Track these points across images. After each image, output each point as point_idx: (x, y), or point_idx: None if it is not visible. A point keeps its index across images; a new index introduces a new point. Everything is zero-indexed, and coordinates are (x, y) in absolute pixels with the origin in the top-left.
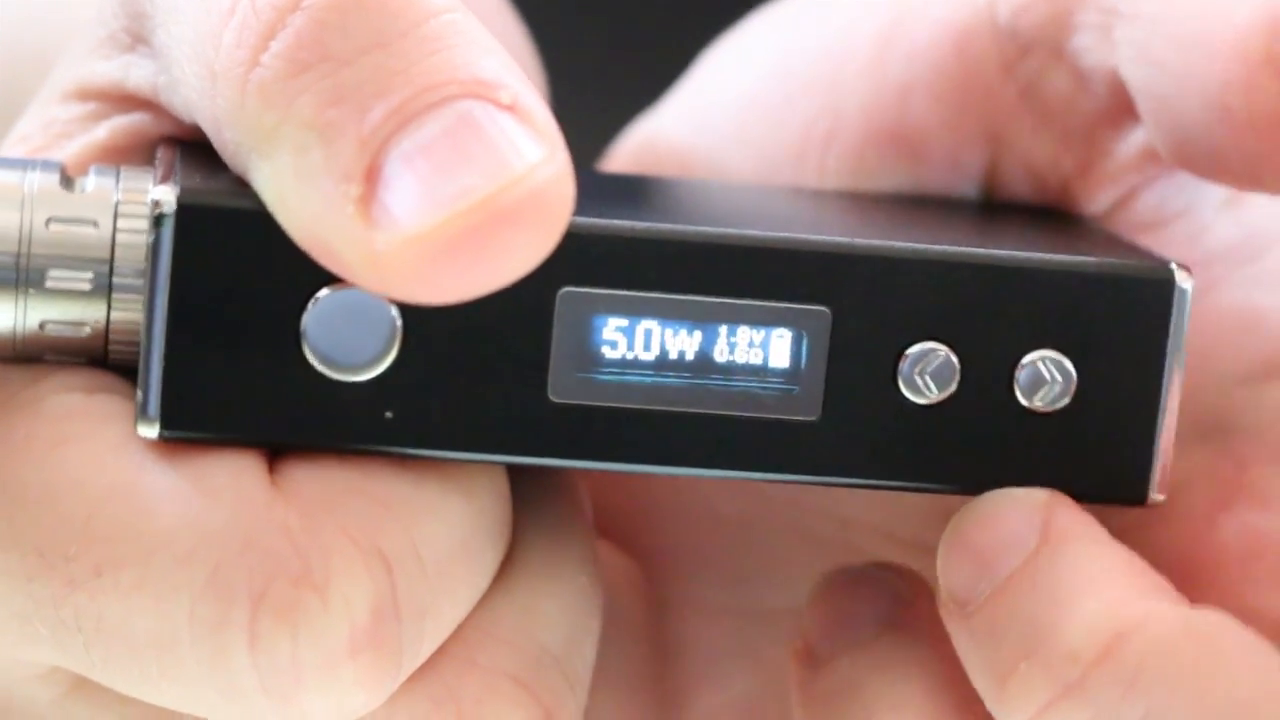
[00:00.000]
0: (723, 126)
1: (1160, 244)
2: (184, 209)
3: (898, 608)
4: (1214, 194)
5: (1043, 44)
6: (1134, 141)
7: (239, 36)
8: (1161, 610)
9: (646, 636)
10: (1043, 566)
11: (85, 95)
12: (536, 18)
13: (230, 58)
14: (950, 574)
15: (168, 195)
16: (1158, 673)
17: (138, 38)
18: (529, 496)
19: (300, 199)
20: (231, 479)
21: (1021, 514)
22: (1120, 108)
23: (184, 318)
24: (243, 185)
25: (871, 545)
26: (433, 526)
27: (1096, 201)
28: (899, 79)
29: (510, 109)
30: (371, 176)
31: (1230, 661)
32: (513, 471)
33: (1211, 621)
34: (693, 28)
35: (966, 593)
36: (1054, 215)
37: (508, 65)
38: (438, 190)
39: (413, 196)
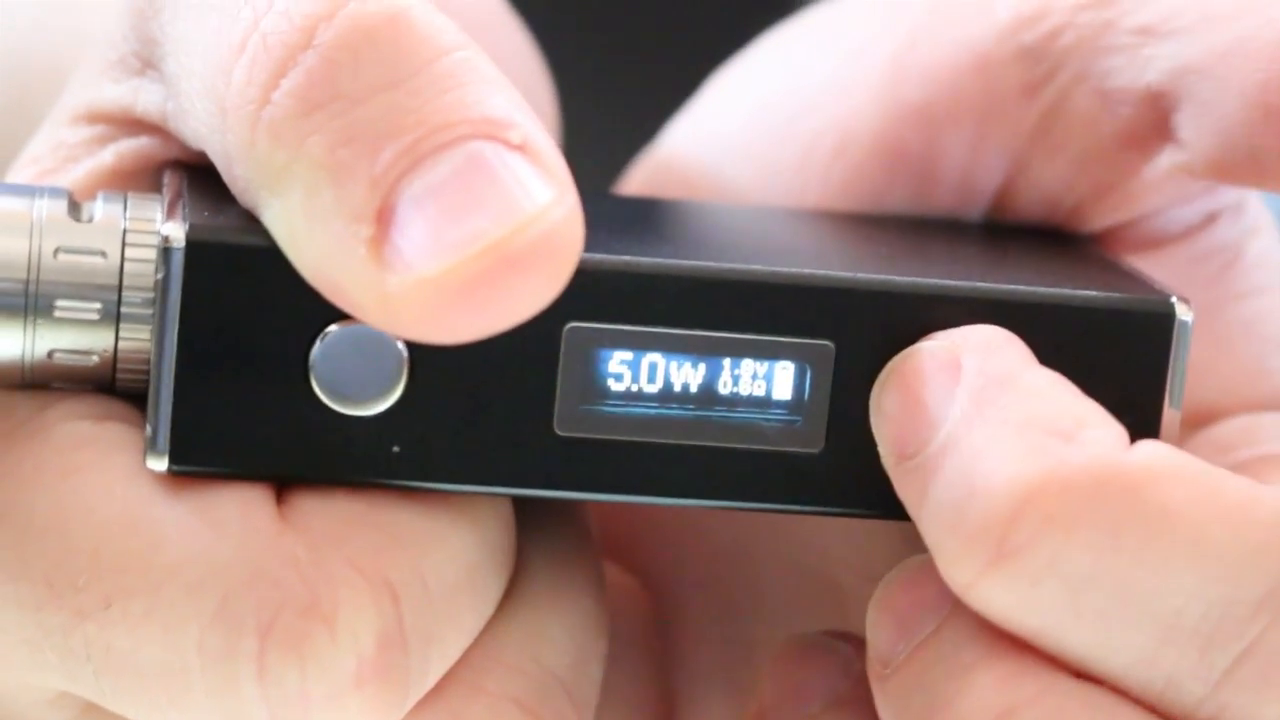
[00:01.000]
0: (730, 142)
1: (1161, 263)
2: (193, 245)
3: (846, 682)
4: (1218, 216)
5: (1069, 67)
6: (1153, 165)
7: (250, 73)
8: (1057, 684)
9: (651, 655)
10: (947, 634)
11: (94, 118)
12: (549, 35)
13: (241, 95)
14: (875, 634)
15: (177, 231)
16: None
17: (148, 63)
18: (535, 521)
19: (311, 239)
20: (239, 510)
21: (941, 578)
22: (1142, 129)
23: (193, 353)
24: (252, 219)
25: (848, 580)
26: (439, 556)
27: (1105, 222)
28: (915, 100)
29: (520, 149)
30: (383, 217)
31: None
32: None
33: (1108, 701)
34: (708, 46)
35: (888, 654)
36: (1056, 239)
37: (518, 103)
38: (448, 233)
39: (424, 239)
